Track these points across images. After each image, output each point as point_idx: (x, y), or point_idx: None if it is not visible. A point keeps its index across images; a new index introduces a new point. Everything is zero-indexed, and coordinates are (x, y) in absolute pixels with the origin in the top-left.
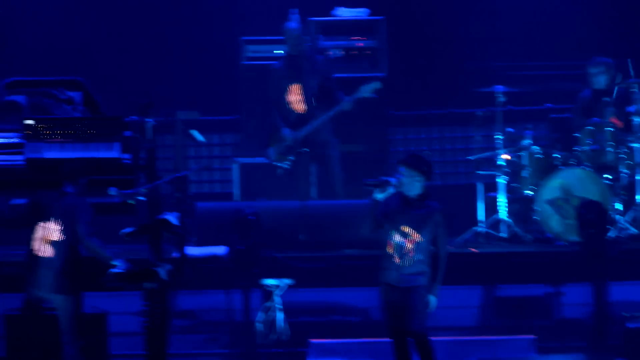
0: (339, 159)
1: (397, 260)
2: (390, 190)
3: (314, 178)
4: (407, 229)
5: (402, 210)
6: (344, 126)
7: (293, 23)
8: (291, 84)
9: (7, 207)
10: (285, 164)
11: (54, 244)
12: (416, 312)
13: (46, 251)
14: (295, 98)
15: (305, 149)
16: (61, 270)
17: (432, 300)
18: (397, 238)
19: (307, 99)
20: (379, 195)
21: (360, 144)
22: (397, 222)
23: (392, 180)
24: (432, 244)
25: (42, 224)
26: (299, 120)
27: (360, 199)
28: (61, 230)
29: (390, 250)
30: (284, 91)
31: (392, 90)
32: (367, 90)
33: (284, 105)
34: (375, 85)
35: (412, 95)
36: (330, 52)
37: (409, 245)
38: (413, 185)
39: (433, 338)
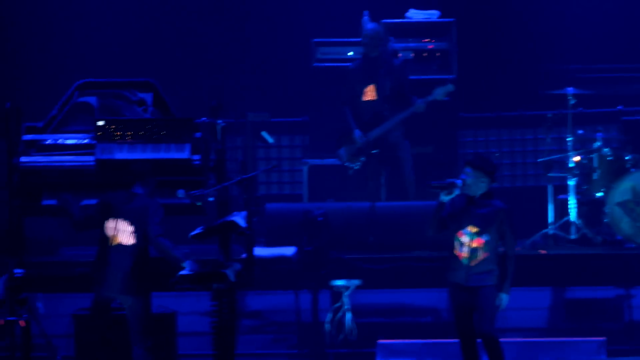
0: (410, 161)
1: (464, 260)
2: (456, 192)
3: (384, 180)
4: (473, 229)
5: (467, 210)
6: (413, 128)
7: (372, 24)
8: (366, 86)
9: (78, 208)
10: (356, 165)
11: (124, 244)
12: (485, 312)
13: (116, 252)
14: (369, 99)
15: (375, 151)
16: (131, 271)
17: (504, 298)
18: (464, 238)
19: (380, 101)
20: (445, 197)
21: (430, 146)
22: (463, 222)
23: (458, 181)
24: (500, 243)
25: (111, 224)
26: (371, 121)
27: (430, 200)
28: (131, 231)
29: (457, 250)
30: (358, 92)
31: (461, 93)
32: (440, 93)
33: (358, 106)
34: (449, 88)
35: (482, 97)
36: (401, 54)
37: (476, 245)
38: (478, 185)
39: (502, 340)
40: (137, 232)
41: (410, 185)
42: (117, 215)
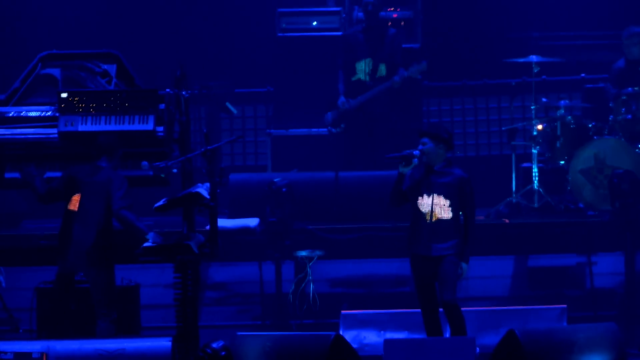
0: (386, 133)
1: (426, 230)
2: (415, 162)
3: (361, 148)
4: (434, 198)
5: (427, 180)
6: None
7: None
8: (358, 55)
9: (42, 180)
10: (338, 130)
11: (86, 217)
12: (447, 281)
13: (80, 225)
14: (362, 67)
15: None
16: (94, 243)
17: (464, 267)
18: (425, 208)
19: (372, 70)
20: (404, 169)
21: (396, 115)
22: (423, 192)
23: (415, 152)
24: (461, 212)
25: (75, 197)
26: (359, 89)
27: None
28: (95, 203)
29: (418, 220)
30: (352, 59)
31: (426, 61)
32: (415, 71)
33: (349, 75)
34: (423, 67)
35: (447, 66)
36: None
37: (437, 215)
38: (437, 154)
39: (464, 308)
40: (101, 205)
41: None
42: (81, 188)
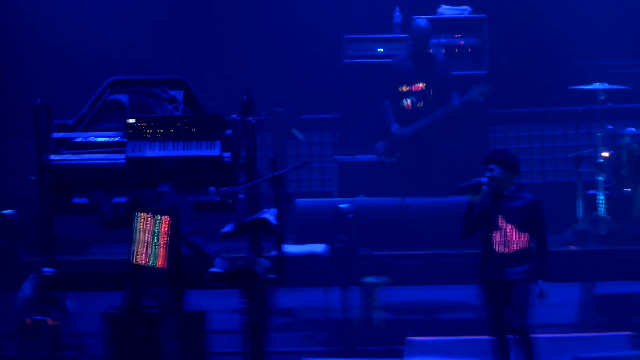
0: (443, 160)
1: (498, 255)
2: (484, 190)
3: (418, 176)
4: (505, 224)
5: (498, 206)
6: (444, 125)
7: (422, 21)
8: (409, 80)
9: (109, 206)
10: (392, 159)
11: (155, 242)
12: (518, 307)
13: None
14: (411, 94)
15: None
16: (163, 268)
17: (545, 287)
18: (497, 234)
19: (422, 97)
20: (474, 198)
21: (461, 143)
22: (495, 218)
23: (483, 179)
24: (532, 236)
25: (142, 223)
26: (410, 117)
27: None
28: (163, 229)
29: (489, 246)
30: (399, 87)
31: (493, 88)
32: (477, 94)
33: (398, 101)
34: (485, 89)
35: (513, 93)
36: (432, 50)
37: (510, 240)
38: (505, 180)
39: (532, 335)
40: (169, 230)
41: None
42: (147, 213)
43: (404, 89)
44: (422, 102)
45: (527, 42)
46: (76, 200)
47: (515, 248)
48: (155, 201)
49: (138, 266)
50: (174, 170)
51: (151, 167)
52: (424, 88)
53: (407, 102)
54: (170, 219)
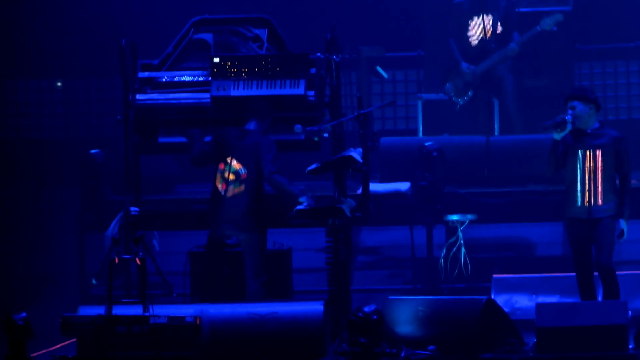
0: (514, 96)
1: (582, 193)
2: (569, 128)
3: (496, 113)
4: (589, 161)
5: (582, 143)
6: (529, 60)
7: None
8: (473, 19)
9: (202, 144)
10: (463, 100)
11: (237, 181)
12: (604, 244)
13: (230, 189)
14: (476, 33)
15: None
16: (246, 207)
17: (624, 226)
18: (581, 171)
19: (487, 34)
20: (558, 135)
21: (545, 79)
22: (579, 155)
23: (568, 117)
24: (617, 172)
25: (225, 161)
26: (477, 55)
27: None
28: (245, 167)
29: (575, 184)
30: (465, 25)
31: (578, 24)
32: (548, 24)
33: (464, 40)
34: (557, 17)
35: (598, 29)
36: None
37: (595, 176)
38: (588, 116)
39: (618, 272)
40: (251, 169)
41: (515, 119)
42: (230, 152)
43: (470, 27)
44: (488, 39)
45: None
46: (162, 139)
47: (600, 185)
48: (239, 138)
49: (219, 204)
50: (259, 109)
51: (236, 107)
52: (486, 24)
53: (473, 39)
54: (252, 156)
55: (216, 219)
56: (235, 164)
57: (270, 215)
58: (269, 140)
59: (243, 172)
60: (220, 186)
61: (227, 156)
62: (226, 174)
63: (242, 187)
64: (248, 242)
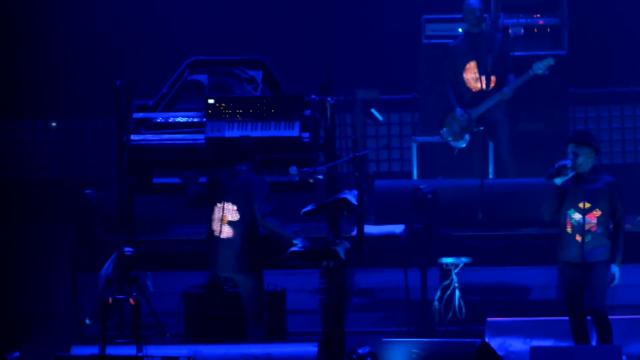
0: (509, 140)
1: (578, 237)
2: (571, 173)
3: (491, 157)
4: (585, 205)
5: (577, 187)
6: (524, 104)
7: (473, 0)
8: (468, 62)
9: (196, 185)
10: (461, 144)
11: (232, 223)
12: (597, 288)
13: (225, 231)
14: (471, 76)
15: (480, 128)
16: (241, 249)
17: (617, 271)
18: (576, 216)
19: (482, 78)
20: (559, 180)
21: (540, 122)
22: (575, 199)
23: (567, 162)
24: (610, 218)
25: (219, 203)
26: (473, 99)
27: (538, 177)
28: (238, 209)
29: (570, 228)
30: (460, 69)
31: (573, 68)
32: (540, 68)
33: (459, 84)
34: (549, 62)
35: (593, 73)
36: (511, 30)
37: (589, 221)
38: (587, 162)
39: (610, 317)
40: (244, 210)
41: (508, 164)
42: (223, 193)
43: (463, 72)
44: (483, 84)
45: (607, 21)
46: (156, 180)
47: (594, 230)
48: (231, 179)
49: (215, 246)
50: (250, 149)
51: (230, 148)
52: (480, 69)
53: (468, 83)
54: (244, 198)
55: (212, 260)
56: (228, 206)
57: (265, 256)
58: (262, 180)
59: (236, 213)
60: (215, 228)
61: (221, 198)
62: (220, 216)
63: (236, 229)
64: (244, 283)
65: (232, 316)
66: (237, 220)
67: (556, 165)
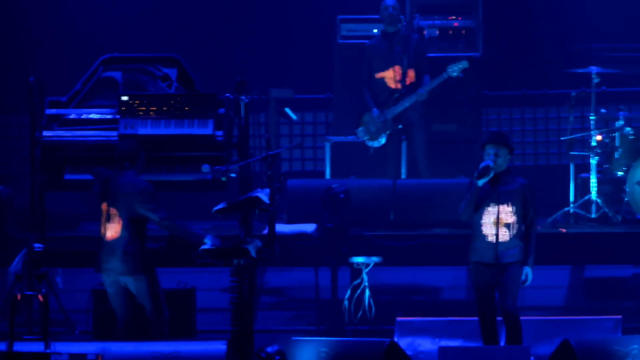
0: (424, 142)
1: (491, 238)
2: (491, 174)
3: (404, 157)
4: (499, 207)
5: (492, 188)
6: (438, 106)
7: (389, 0)
8: (384, 63)
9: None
10: (376, 143)
11: (113, 226)
12: (510, 290)
13: (108, 233)
14: (387, 77)
15: (399, 126)
16: (122, 251)
17: (529, 272)
18: (491, 216)
19: (398, 79)
20: (481, 182)
21: (454, 124)
22: (488, 200)
23: (490, 163)
24: (523, 219)
25: (102, 205)
26: (388, 99)
27: (451, 178)
28: (119, 212)
29: (483, 228)
30: (375, 70)
31: (486, 70)
32: (454, 70)
33: (375, 84)
34: (463, 64)
35: (507, 76)
36: (426, 32)
37: (503, 222)
38: (504, 163)
39: (521, 318)
40: (124, 213)
41: (422, 165)
42: (105, 195)
43: (379, 72)
44: (399, 84)
45: (521, 24)
46: (68, 176)
47: (507, 231)
48: (113, 182)
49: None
50: (130, 152)
51: (144, 145)
52: (396, 69)
53: (384, 83)
54: (125, 201)
55: (100, 262)
56: (108, 208)
57: (174, 254)
58: (144, 184)
59: (117, 217)
60: (101, 229)
61: (103, 199)
62: (103, 218)
63: (118, 231)
64: (133, 285)
65: (137, 314)
66: (119, 223)
67: (480, 167)
